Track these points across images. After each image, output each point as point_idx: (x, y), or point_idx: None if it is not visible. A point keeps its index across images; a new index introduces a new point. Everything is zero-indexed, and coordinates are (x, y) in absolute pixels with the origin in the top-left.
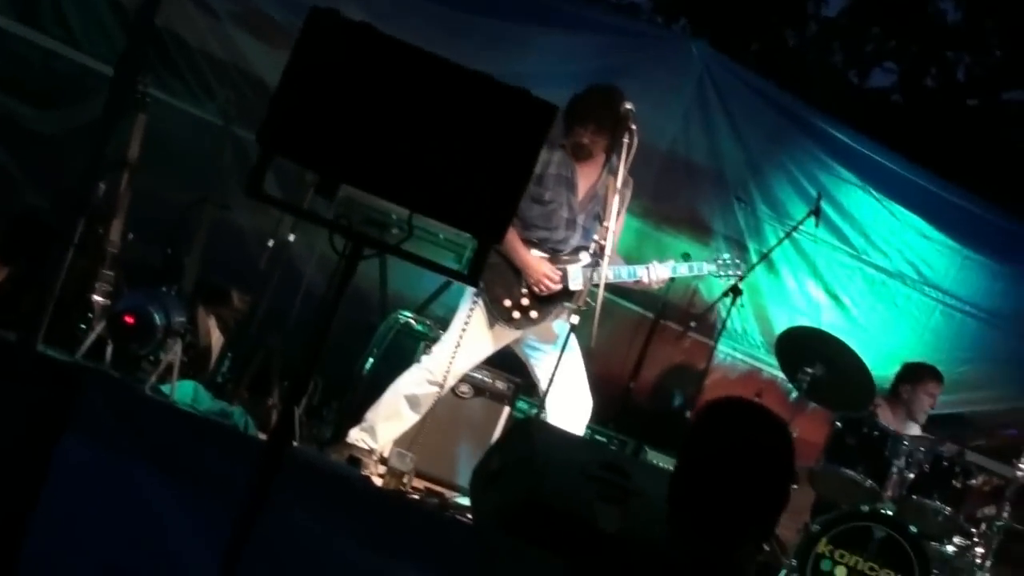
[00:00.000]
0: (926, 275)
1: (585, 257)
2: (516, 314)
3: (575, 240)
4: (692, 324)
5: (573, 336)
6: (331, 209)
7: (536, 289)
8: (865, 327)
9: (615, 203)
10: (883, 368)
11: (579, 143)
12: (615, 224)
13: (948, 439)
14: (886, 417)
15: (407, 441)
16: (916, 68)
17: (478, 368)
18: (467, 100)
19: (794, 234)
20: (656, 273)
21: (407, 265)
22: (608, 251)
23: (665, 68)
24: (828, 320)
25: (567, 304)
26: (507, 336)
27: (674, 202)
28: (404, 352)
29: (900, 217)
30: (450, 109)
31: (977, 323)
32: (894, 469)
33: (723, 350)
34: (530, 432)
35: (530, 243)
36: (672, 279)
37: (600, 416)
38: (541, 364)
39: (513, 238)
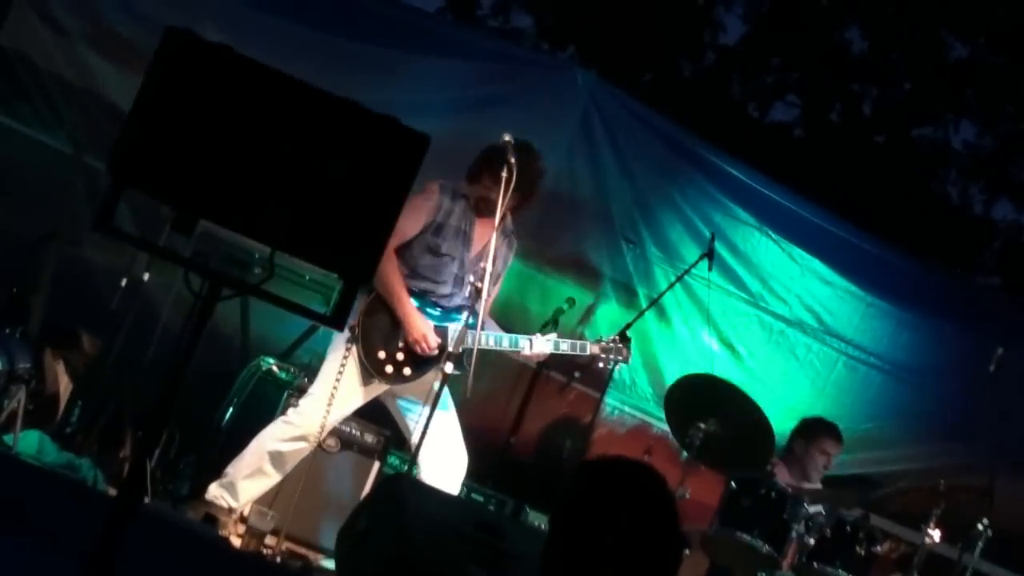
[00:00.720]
0: (828, 323)
1: (463, 316)
2: (389, 368)
3: (458, 299)
4: (577, 374)
5: (447, 389)
6: (189, 246)
7: (414, 348)
8: (762, 379)
9: (494, 262)
10: (781, 424)
11: (485, 197)
12: (493, 288)
13: (852, 501)
14: (783, 477)
15: (268, 498)
16: (820, 101)
17: (346, 420)
18: (333, 129)
19: (686, 278)
20: (538, 347)
21: (271, 307)
22: (483, 314)
23: (547, 98)
24: (722, 372)
25: (442, 366)
26: (378, 389)
27: (558, 243)
28: (266, 401)
29: (800, 261)
30: (315, 138)
31: (882, 376)
32: (793, 534)
33: (610, 403)
34: (400, 490)
35: (412, 293)
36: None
37: (478, 473)
38: (413, 417)
39: (399, 286)
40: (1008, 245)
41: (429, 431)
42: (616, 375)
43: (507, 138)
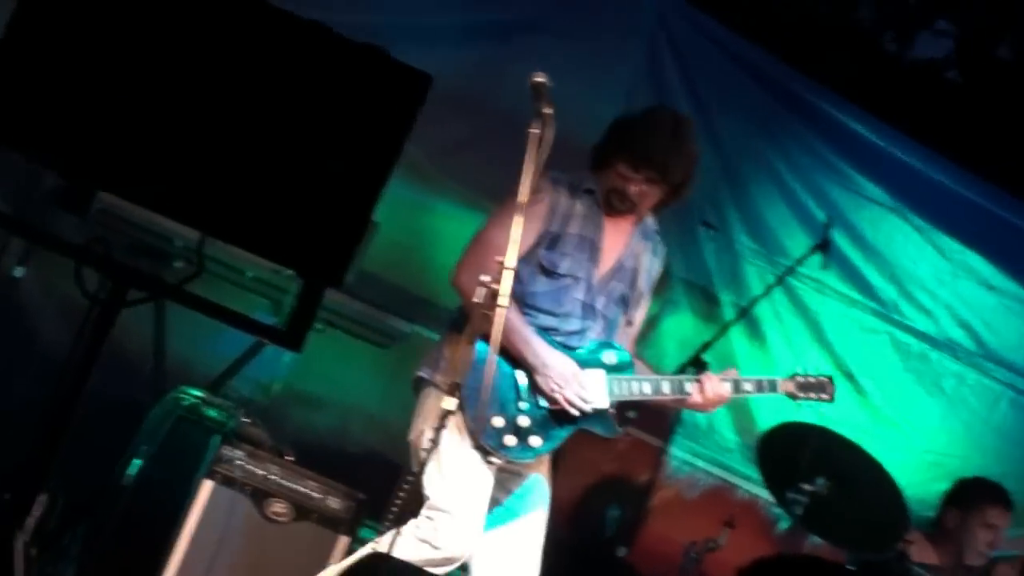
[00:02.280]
0: (990, 345)
1: (608, 362)
2: (511, 440)
3: (593, 334)
4: (630, 414)
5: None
6: (82, 230)
7: (556, 400)
8: (894, 421)
9: (637, 277)
10: (921, 486)
11: (619, 190)
12: (636, 312)
13: None
14: (925, 559)
15: None
16: (980, 32)
17: (302, 478)
18: (295, 65)
19: (790, 279)
20: (712, 389)
21: (197, 317)
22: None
23: (599, 21)
24: (835, 414)
25: (594, 429)
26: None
27: None
28: (188, 449)
29: (952, 257)
30: (268, 78)
31: None
32: None
33: (678, 455)
34: (374, 572)
35: None
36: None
37: None
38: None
39: (516, 316)
40: None
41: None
42: (687, 416)
43: (539, 79)
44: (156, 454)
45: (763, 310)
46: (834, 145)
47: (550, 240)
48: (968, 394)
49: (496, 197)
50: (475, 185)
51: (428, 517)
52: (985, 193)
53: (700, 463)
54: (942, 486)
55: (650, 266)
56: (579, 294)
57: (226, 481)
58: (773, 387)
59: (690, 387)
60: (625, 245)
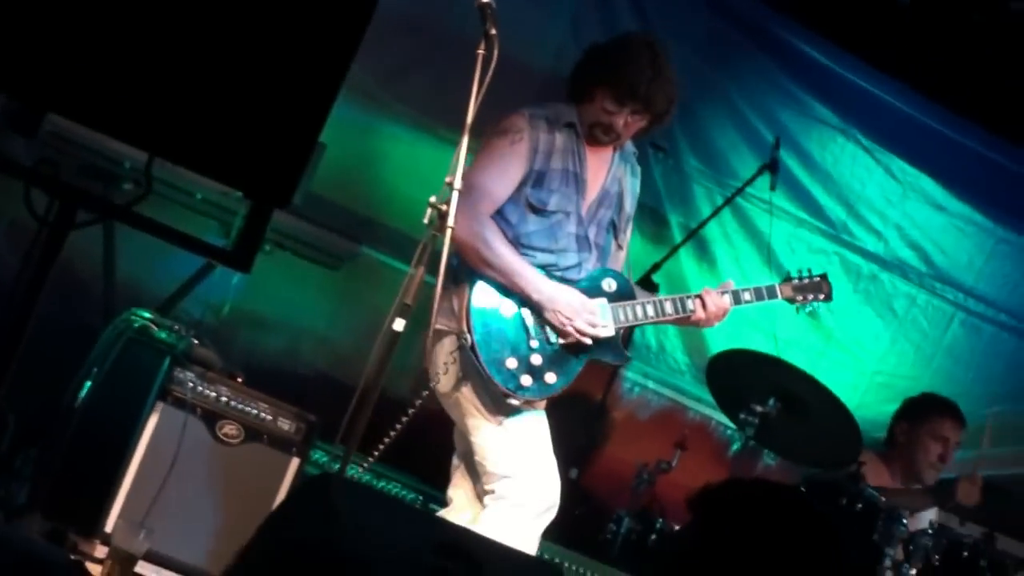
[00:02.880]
0: (940, 266)
1: (609, 289)
2: (527, 379)
3: (589, 265)
4: None
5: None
6: (31, 152)
7: (567, 333)
8: (845, 344)
9: (622, 201)
10: (872, 407)
11: (603, 123)
12: (624, 237)
13: (972, 517)
14: (878, 479)
15: (141, 508)
16: None
17: (252, 400)
18: None
19: (739, 200)
20: (714, 303)
21: (146, 239)
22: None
23: None
24: (788, 334)
25: (605, 359)
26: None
27: None
28: (139, 371)
29: (903, 177)
30: None
31: (1017, 340)
32: (887, 560)
33: (630, 376)
34: (330, 497)
35: None
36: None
37: (444, 475)
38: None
39: (513, 256)
40: None
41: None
42: (639, 338)
43: (486, 1)
44: (107, 376)
45: (712, 231)
46: (783, 67)
47: (536, 178)
48: (919, 315)
49: (444, 118)
50: (423, 107)
51: (501, 485)
52: (934, 114)
53: (651, 385)
54: (892, 407)
55: (632, 187)
56: (571, 227)
57: (177, 403)
58: (772, 293)
59: (692, 304)
60: (607, 172)
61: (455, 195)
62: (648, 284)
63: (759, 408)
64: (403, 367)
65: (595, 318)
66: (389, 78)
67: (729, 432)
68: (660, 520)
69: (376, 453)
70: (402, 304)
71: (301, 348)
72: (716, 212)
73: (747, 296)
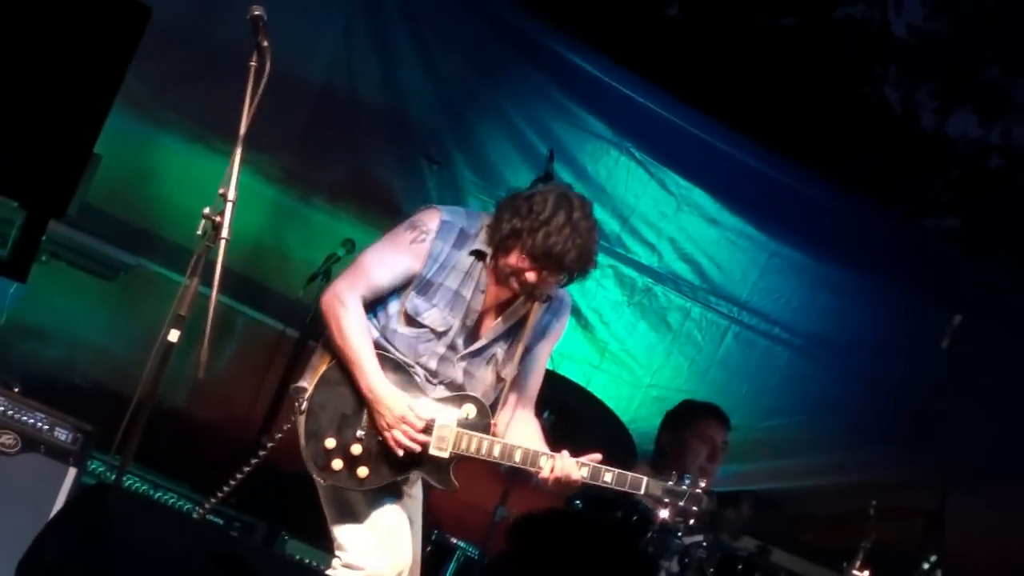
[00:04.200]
0: (714, 280)
1: (462, 413)
2: (337, 464)
3: (442, 385)
4: None
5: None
6: None
7: (385, 437)
8: (619, 357)
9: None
10: (647, 421)
11: (518, 277)
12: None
13: (746, 529)
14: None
15: None
16: None
17: (29, 409)
18: None
19: None
20: (564, 470)
21: None
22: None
23: None
24: (562, 347)
25: (429, 479)
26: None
27: (330, 163)
28: None
29: (676, 191)
30: None
31: (790, 353)
32: (663, 573)
33: None
34: (107, 507)
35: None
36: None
37: (217, 485)
38: None
39: (365, 346)
40: (971, 172)
41: None
42: None
43: (257, 13)
44: None
45: None
46: (557, 80)
47: (422, 286)
48: (693, 328)
49: (218, 130)
50: (197, 119)
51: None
52: (707, 127)
53: None
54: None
55: (543, 322)
56: (439, 348)
57: None
58: (636, 485)
59: (543, 461)
60: (505, 312)
61: (229, 207)
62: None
63: None
64: (178, 378)
65: (418, 435)
66: (164, 89)
67: None
68: (436, 531)
69: (220, 495)
70: (176, 315)
71: (78, 359)
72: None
73: (607, 477)
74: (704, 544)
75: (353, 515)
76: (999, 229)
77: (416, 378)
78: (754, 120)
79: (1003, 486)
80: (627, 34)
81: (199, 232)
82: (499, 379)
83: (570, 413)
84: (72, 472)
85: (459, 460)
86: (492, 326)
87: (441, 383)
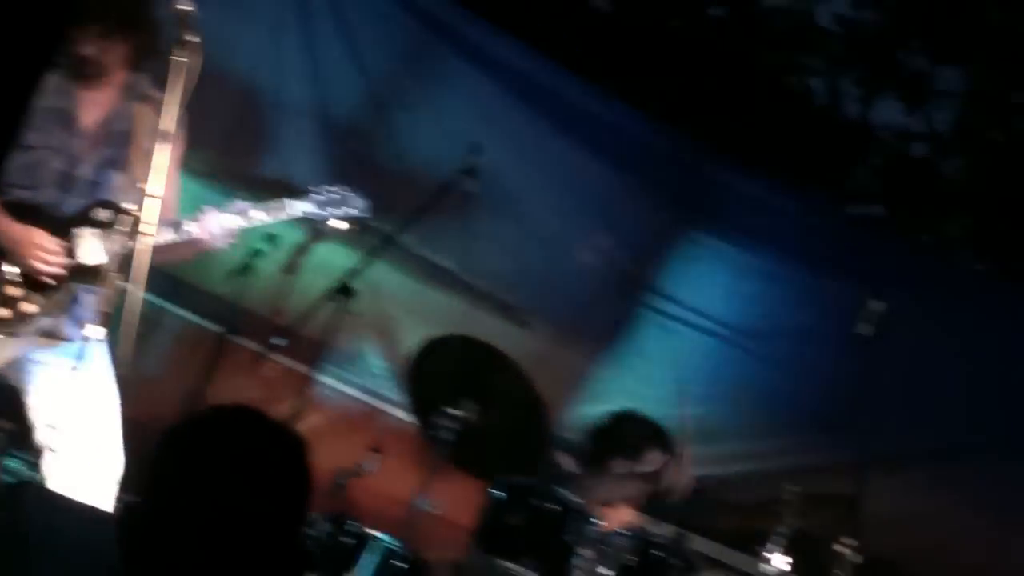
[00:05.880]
0: (629, 263)
1: (101, 219)
2: (3, 312)
3: (75, 201)
4: (279, 341)
5: (103, 350)
6: None
7: (31, 268)
8: (537, 343)
9: (160, 153)
10: (579, 409)
11: (81, 56)
12: (161, 187)
13: (662, 517)
14: (580, 482)
15: None
16: None
17: None
18: None
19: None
20: (215, 223)
21: None
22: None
23: None
24: (490, 330)
25: (85, 289)
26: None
27: (254, 156)
28: None
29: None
30: None
31: (714, 344)
32: (579, 562)
33: (326, 382)
34: (22, 506)
35: (5, 210)
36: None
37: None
38: (43, 389)
39: None
40: (894, 159)
41: (68, 413)
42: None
43: (183, 7)
44: None
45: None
46: (485, 73)
47: None
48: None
49: None
50: None
51: None
52: (634, 119)
53: (349, 389)
54: (584, 408)
55: (144, 122)
56: (57, 164)
57: None
58: (292, 209)
59: (191, 227)
60: (108, 109)
61: (153, 202)
62: (346, 289)
63: (454, 412)
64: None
65: (56, 248)
66: None
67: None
68: (355, 524)
69: None
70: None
71: None
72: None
73: (258, 215)
74: (622, 532)
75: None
76: (922, 216)
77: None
78: (680, 110)
79: (922, 468)
80: (554, 26)
81: (120, 228)
82: (134, 182)
83: (492, 394)
84: None
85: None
86: (94, 126)
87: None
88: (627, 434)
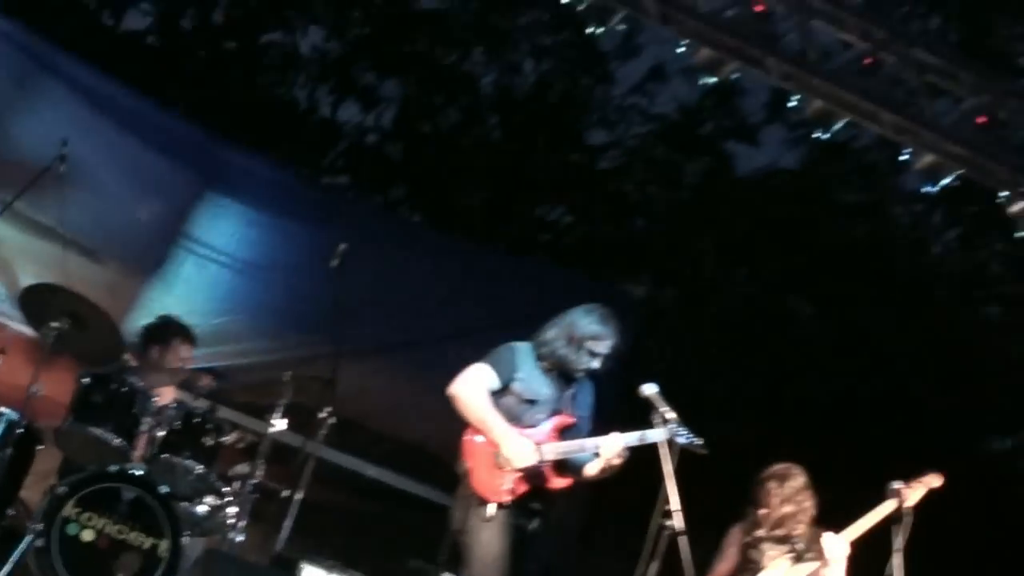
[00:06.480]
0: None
1: None
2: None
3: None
4: None
5: None
6: None
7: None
8: (109, 275)
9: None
10: (134, 319)
11: None
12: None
13: (201, 394)
14: (141, 371)
15: None
16: (173, 9)
17: None
18: None
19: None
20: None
21: None
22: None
23: None
24: (77, 271)
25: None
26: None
27: None
28: None
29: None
30: None
31: (231, 273)
32: (144, 427)
33: None
34: None
35: None
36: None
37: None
38: None
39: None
40: (355, 145)
41: None
42: None
43: None
44: None
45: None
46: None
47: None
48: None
49: None
50: None
51: None
52: (169, 115)
53: None
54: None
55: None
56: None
57: None
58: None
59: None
60: None
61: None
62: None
63: (55, 324)
64: None
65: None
66: None
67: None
68: None
69: None
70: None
71: None
72: (16, 197)
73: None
74: (172, 405)
75: None
76: (374, 183)
77: None
78: (208, 114)
79: (381, 356)
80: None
81: None
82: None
83: (79, 314)
84: None
85: None
86: None
87: None
88: (163, 331)
